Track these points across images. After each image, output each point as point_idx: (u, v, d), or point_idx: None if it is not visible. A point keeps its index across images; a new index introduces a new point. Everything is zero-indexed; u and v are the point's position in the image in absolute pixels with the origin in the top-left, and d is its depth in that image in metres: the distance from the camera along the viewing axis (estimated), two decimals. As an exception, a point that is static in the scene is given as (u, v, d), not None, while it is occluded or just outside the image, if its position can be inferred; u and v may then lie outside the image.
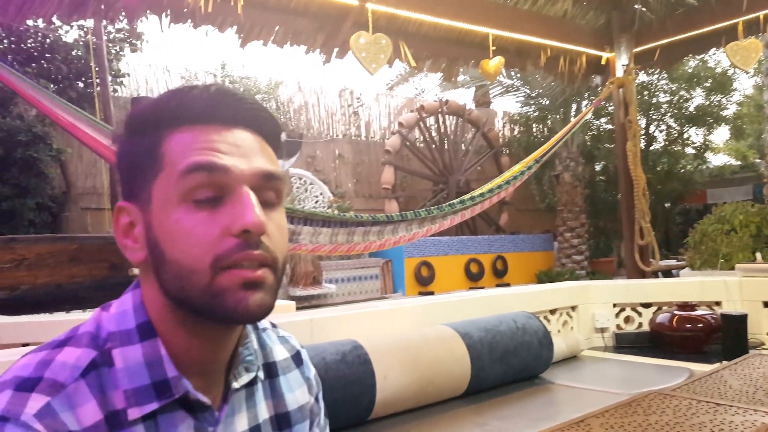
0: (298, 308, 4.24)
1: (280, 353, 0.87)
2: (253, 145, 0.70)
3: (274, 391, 0.83)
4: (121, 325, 0.70)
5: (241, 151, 0.68)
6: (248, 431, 0.77)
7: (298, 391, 0.87)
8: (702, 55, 11.05)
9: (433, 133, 11.82)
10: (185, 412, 0.70)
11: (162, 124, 0.69)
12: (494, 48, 5.48)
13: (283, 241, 0.71)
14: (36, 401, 0.62)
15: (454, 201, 4.68)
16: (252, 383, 0.79)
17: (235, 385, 0.76)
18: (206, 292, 0.65)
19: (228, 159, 0.67)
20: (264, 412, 0.80)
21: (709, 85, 12.34)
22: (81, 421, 0.63)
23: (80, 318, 3.68)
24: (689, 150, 13.49)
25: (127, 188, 0.72)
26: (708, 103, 12.66)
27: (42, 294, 4.89)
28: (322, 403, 0.93)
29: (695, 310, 3.61)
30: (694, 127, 12.96)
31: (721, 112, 12.92)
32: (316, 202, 10.17)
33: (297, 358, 0.90)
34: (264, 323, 0.89)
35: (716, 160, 15.17)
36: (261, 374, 0.81)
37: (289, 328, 0.98)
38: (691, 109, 12.55)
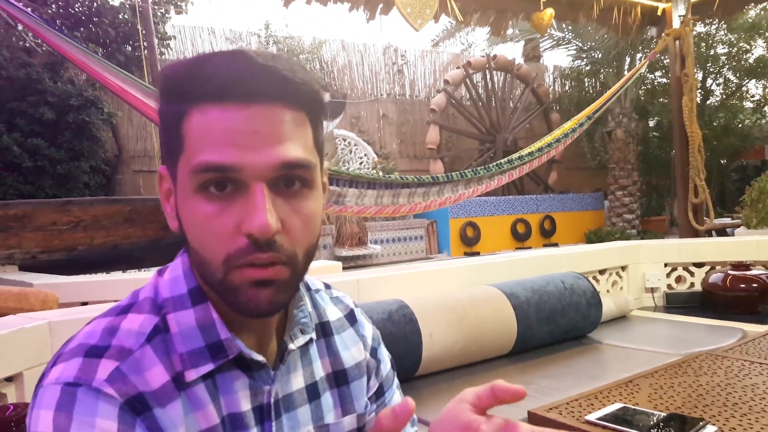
0: (344, 268, 4.29)
1: (333, 314, 0.88)
2: (276, 127, 0.64)
3: (329, 350, 0.85)
4: (174, 291, 0.72)
5: (259, 140, 0.63)
6: (305, 388, 0.79)
7: (354, 349, 0.88)
8: (764, 4, 10.49)
9: (480, 90, 11.61)
10: (241, 371, 0.72)
11: (184, 97, 0.65)
12: (544, -1, 5.33)
13: (309, 230, 0.68)
14: (105, 367, 0.64)
15: (501, 161, 4.61)
16: (306, 343, 0.81)
17: (292, 346, 0.77)
18: (221, 285, 0.66)
19: (242, 154, 0.63)
20: (320, 370, 0.82)
21: (771, 35, 11.78)
22: (149, 384, 0.65)
23: (136, 277, 3.80)
24: (748, 104, 12.97)
25: (163, 154, 0.71)
26: (769, 54, 12.10)
27: (98, 254, 5.07)
28: (383, 355, 0.94)
29: (750, 269, 3.52)
30: (754, 80, 12.43)
31: (783, 64, 12.32)
32: (361, 163, 10.17)
33: (351, 317, 0.91)
34: (317, 285, 0.90)
35: (776, 114, 14.55)
36: (314, 334, 0.82)
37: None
38: (751, 61, 12.01)
